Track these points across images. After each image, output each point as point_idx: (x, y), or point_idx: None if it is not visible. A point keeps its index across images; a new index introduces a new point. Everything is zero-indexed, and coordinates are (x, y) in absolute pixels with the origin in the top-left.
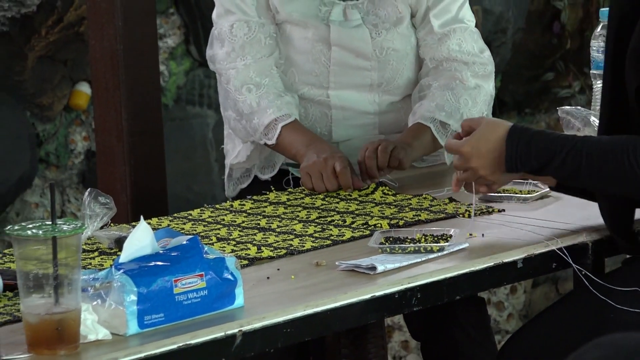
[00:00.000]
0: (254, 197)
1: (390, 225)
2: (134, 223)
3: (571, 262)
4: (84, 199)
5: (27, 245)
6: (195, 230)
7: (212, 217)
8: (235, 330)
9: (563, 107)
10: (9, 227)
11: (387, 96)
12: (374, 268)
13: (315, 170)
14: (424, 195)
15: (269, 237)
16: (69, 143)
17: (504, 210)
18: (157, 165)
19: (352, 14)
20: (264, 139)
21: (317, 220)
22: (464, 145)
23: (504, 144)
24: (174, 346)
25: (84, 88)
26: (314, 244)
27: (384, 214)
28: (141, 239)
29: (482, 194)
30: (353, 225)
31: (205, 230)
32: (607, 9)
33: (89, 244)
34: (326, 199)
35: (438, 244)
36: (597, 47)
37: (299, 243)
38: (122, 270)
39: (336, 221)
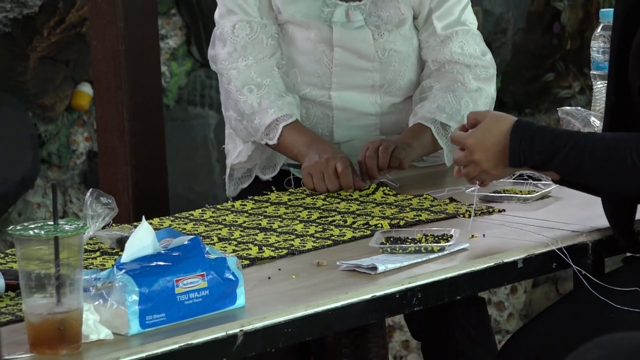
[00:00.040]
0: (255, 198)
1: (391, 225)
2: (135, 223)
3: (571, 263)
4: (86, 199)
5: (29, 245)
6: (197, 231)
7: (214, 217)
8: (237, 330)
9: (563, 108)
10: (11, 227)
11: (389, 97)
12: (374, 268)
13: (316, 171)
14: (424, 196)
15: (270, 237)
16: (70, 143)
17: (504, 210)
18: (159, 166)
19: (354, 15)
20: (265, 139)
21: (318, 221)
22: (469, 137)
23: (508, 138)
24: (176, 346)
25: (86, 89)
26: (315, 244)
27: (384, 214)
28: (143, 239)
29: (483, 186)
30: (354, 226)
31: (207, 231)
32: (607, 9)
33: (90, 244)
34: (327, 199)
35: (439, 244)
36: (597, 47)
37: (300, 243)
38: (123, 270)
39: (337, 221)
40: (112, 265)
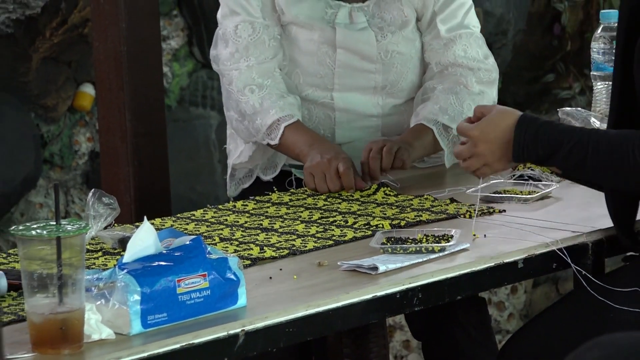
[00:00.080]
0: (257, 198)
1: (392, 225)
2: (137, 223)
3: (571, 263)
4: (88, 199)
5: (31, 245)
6: (199, 231)
7: (215, 217)
8: (238, 330)
9: (563, 109)
10: (13, 227)
11: (391, 99)
12: (375, 268)
13: (318, 171)
14: (425, 196)
15: (271, 238)
16: (73, 144)
17: (504, 210)
18: (161, 166)
19: (357, 16)
20: (266, 139)
21: (319, 221)
22: (474, 128)
23: (513, 132)
24: (177, 346)
25: (88, 89)
26: (316, 244)
27: (385, 214)
28: (144, 239)
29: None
30: (355, 226)
31: (209, 231)
32: (608, 11)
33: (92, 244)
34: (328, 200)
35: (439, 244)
36: (597, 48)
37: (301, 243)
38: (125, 270)
39: (338, 221)
40: (114, 265)
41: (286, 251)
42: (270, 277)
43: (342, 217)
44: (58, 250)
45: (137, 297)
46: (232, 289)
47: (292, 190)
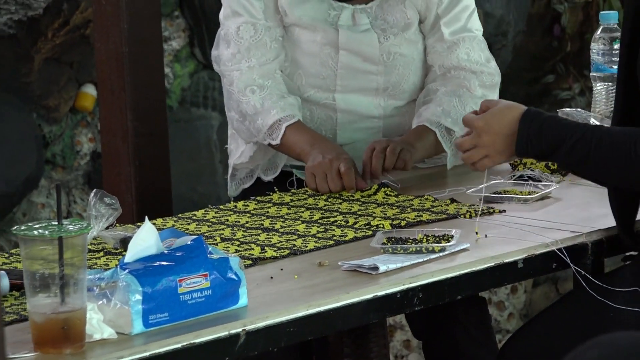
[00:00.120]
0: (258, 198)
1: (393, 225)
2: (139, 223)
3: (570, 264)
4: (90, 199)
5: (33, 245)
6: (200, 231)
7: (216, 217)
8: (239, 330)
9: (563, 109)
10: (15, 227)
11: (393, 100)
12: (376, 268)
13: (320, 171)
14: (425, 196)
15: (272, 238)
16: (74, 144)
17: (504, 211)
18: (162, 167)
19: (360, 18)
20: (268, 139)
21: (320, 221)
22: (479, 119)
23: (517, 126)
24: (179, 345)
25: (90, 90)
26: (316, 244)
27: (386, 214)
28: (146, 239)
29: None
30: (355, 226)
31: (210, 231)
32: (607, 12)
33: (94, 244)
34: (329, 200)
35: (439, 244)
36: (597, 49)
37: (302, 243)
38: (127, 270)
39: (339, 222)
40: (116, 265)
41: (287, 251)
42: (271, 277)
43: (343, 217)
44: (60, 250)
45: (138, 297)
46: (233, 289)
47: (293, 190)
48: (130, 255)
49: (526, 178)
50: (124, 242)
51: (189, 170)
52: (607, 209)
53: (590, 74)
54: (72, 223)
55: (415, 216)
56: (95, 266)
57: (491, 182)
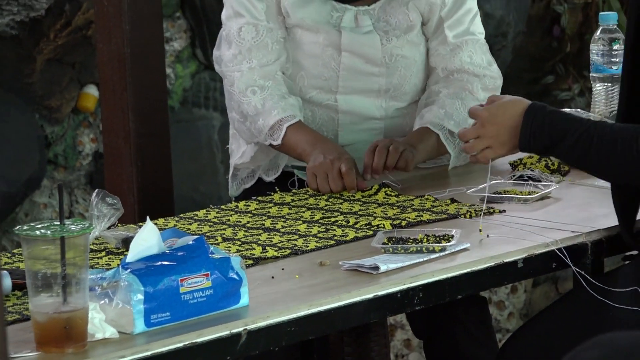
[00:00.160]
0: (259, 198)
1: (393, 225)
2: (140, 223)
3: (570, 264)
4: (92, 199)
5: (35, 245)
6: (201, 231)
7: (218, 217)
8: (240, 329)
9: (563, 110)
10: (18, 227)
11: (394, 102)
12: (376, 268)
13: (321, 171)
14: (426, 196)
15: (273, 237)
16: (77, 145)
17: (504, 211)
18: (164, 167)
19: (363, 20)
20: (269, 139)
21: (321, 221)
22: (484, 110)
23: (521, 119)
24: (180, 344)
25: (92, 90)
26: (317, 244)
27: (386, 214)
28: (148, 239)
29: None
30: (356, 226)
31: (211, 231)
32: (607, 13)
33: (96, 244)
34: (330, 200)
35: (440, 244)
36: (596, 50)
37: (303, 243)
38: (129, 270)
39: (340, 222)
40: (118, 265)
41: (288, 251)
42: (273, 277)
43: (344, 217)
44: (62, 250)
45: (140, 297)
46: (234, 289)
47: (294, 190)
48: (132, 255)
49: (526, 178)
50: (126, 242)
51: (190, 171)
52: (606, 209)
53: (590, 74)
54: (74, 223)
55: (415, 216)
56: (97, 266)
57: (491, 182)
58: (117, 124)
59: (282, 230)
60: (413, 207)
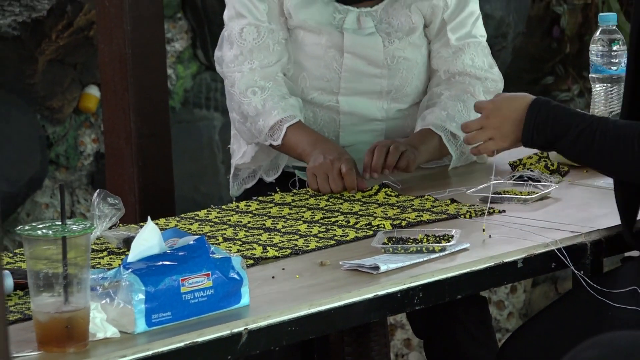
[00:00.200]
0: (260, 198)
1: (393, 225)
2: (142, 223)
3: (569, 264)
4: (93, 199)
5: (37, 245)
6: (202, 231)
7: (219, 217)
8: (241, 329)
9: None
10: (19, 227)
11: (395, 104)
12: (377, 268)
13: (321, 172)
14: (426, 197)
15: (274, 237)
16: (78, 145)
17: (504, 211)
18: (165, 167)
19: (365, 21)
20: (269, 140)
21: (321, 221)
22: (489, 102)
23: (525, 113)
24: (181, 344)
25: (93, 91)
26: (318, 244)
27: (386, 214)
28: (149, 239)
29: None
30: (357, 226)
31: (212, 231)
32: (606, 14)
33: (98, 244)
34: (330, 200)
35: (440, 244)
36: (596, 51)
37: (303, 243)
38: (130, 270)
39: (340, 222)
40: (119, 265)
41: (289, 251)
42: (273, 277)
43: (344, 217)
44: (64, 249)
45: (141, 296)
46: (235, 288)
47: (294, 190)
48: (133, 255)
49: (526, 178)
50: (127, 242)
51: (191, 171)
52: (606, 209)
53: (589, 75)
54: (75, 223)
55: (415, 216)
56: (99, 266)
57: (491, 182)
58: (119, 125)
59: (283, 230)
60: (413, 207)
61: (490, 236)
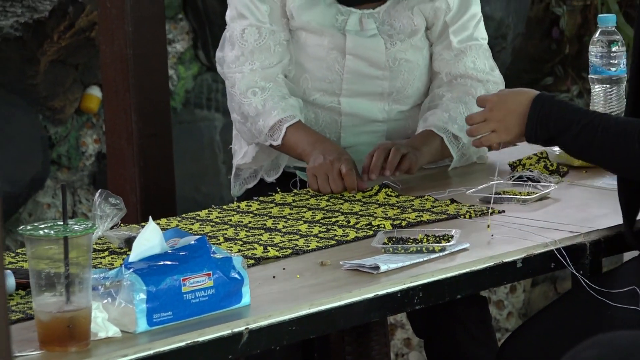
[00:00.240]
0: (261, 198)
1: (393, 225)
2: (143, 223)
3: (569, 264)
4: (95, 199)
5: (39, 244)
6: (203, 231)
7: (220, 217)
8: (242, 328)
9: None
10: (21, 227)
11: (397, 105)
12: (377, 267)
13: (321, 172)
14: (426, 197)
15: (275, 237)
16: (80, 145)
17: (504, 211)
18: (166, 167)
19: (367, 23)
20: (269, 140)
21: (322, 221)
22: (493, 95)
23: (529, 108)
24: (182, 343)
25: (95, 92)
26: (318, 244)
27: (387, 214)
28: (150, 238)
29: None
30: (357, 226)
31: (213, 231)
32: (605, 15)
33: (99, 244)
34: (331, 200)
35: (440, 244)
36: (595, 52)
37: (304, 243)
38: (131, 270)
39: (340, 222)
40: (120, 265)
41: (289, 251)
42: (274, 276)
43: (345, 217)
44: (65, 249)
45: (142, 296)
46: (236, 288)
47: (295, 190)
48: (134, 255)
49: (525, 179)
50: (129, 242)
51: (192, 171)
52: (605, 209)
53: (589, 76)
54: (77, 223)
55: (415, 216)
56: (100, 265)
57: (491, 182)
58: (120, 125)
59: (284, 230)
60: (413, 207)
61: (492, 235)
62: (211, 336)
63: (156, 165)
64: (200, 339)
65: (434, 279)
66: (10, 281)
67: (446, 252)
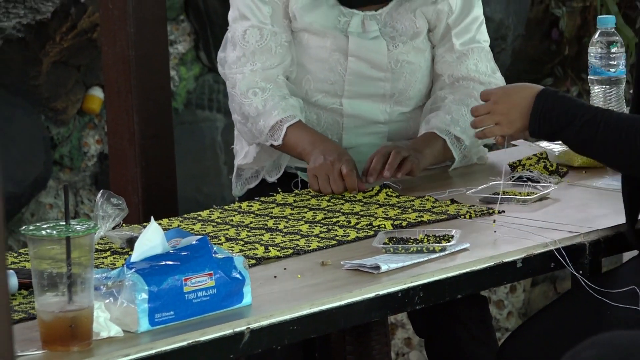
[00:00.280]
0: (262, 199)
1: (394, 226)
2: (145, 223)
3: (568, 264)
4: (97, 200)
5: (41, 244)
6: (205, 231)
7: (221, 217)
8: (243, 328)
9: None
10: (24, 227)
11: (398, 107)
12: (377, 267)
13: (322, 173)
14: (426, 197)
15: (276, 237)
16: (82, 146)
17: (504, 211)
18: (168, 168)
19: (370, 25)
20: (270, 140)
21: (322, 221)
22: (498, 89)
23: (533, 101)
24: (184, 343)
25: (97, 92)
26: (319, 244)
27: (387, 215)
28: (152, 239)
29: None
30: (358, 226)
31: (215, 231)
32: (605, 16)
33: (101, 244)
34: (331, 201)
35: (440, 244)
36: (594, 53)
37: (305, 243)
38: (133, 269)
39: (341, 222)
40: (122, 265)
41: (290, 251)
42: (275, 276)
43: (345, 217)
44: (67, 249)
45: (144, 296)
46: (237, 288)
47: (296, 191)
48: (136, 255)
49: (525, 179)
50: (131, 242)
51: (194, 172)
52: (604, 209)
53: (588, 77)
54: (79, 223)
55: (416, 216)
56: (102, 265)
57: (490, 183)
58: (122, 126)
59: (285, 230)
60: (414, 207)
61: (495, 231)
62: (213, 336)
63: (158, 166)
64: (202, 338)
65: (434, 279)
66: (13, 281)
67: (446, 252)
